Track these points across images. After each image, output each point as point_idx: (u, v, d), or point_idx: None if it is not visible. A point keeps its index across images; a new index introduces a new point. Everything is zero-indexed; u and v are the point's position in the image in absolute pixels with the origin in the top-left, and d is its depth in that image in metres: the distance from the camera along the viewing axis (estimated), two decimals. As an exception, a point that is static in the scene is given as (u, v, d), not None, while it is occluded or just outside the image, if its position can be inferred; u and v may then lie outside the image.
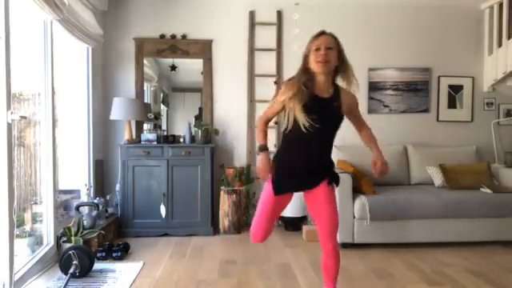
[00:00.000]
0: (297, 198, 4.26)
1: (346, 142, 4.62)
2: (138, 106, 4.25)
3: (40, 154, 3.22)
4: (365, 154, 4.41)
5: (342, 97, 2.15)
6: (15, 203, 2.63)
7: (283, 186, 2.18)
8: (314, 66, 2.08)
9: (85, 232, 3.36)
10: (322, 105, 2.09)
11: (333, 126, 2.17)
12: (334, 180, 2.24)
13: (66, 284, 2.75)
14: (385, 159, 2.24)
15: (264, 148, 2.21)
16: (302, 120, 2.03)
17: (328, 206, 2.17)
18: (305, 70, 2.13)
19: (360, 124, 2.35)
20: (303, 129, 2.04)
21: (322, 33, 2.13)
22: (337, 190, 3.75)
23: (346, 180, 3.69)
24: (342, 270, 3.23)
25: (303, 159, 2.15)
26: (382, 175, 2.22)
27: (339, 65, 2.14)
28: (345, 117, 2.23)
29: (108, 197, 4.22)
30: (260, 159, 2.18)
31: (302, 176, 2.17)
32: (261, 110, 2.26)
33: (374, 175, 2.23)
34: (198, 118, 4.62)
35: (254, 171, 4.34)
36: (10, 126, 2.50)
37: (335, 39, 2.14)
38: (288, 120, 2.10)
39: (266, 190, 2.23)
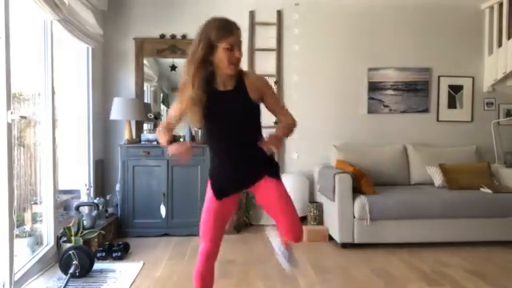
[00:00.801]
0: (297, 197, 4.31)
1: (345, 142, 4.65)
2: (138, 105, 4.25)
3: (40, 154, 3.22)
4: (365, 153, 4.44)
5: (246, 82, 1.95)
6: (15, 203, 2.63)
7: (220, 191, 2.00)
8: (226, 67, 1.87)
9: (85, 232, 3.36)
10: (224, 99, 1.91)
11: (246, 118, 1.95)
12: (274, 171, 2.03)
13: (66, 284, 2.75)
14: (280, 136, 1.93)
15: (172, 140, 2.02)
16: (195, 122, 1.89)
17: (278, 200, 1.99)
18: (203, 60, 1.85)
19: (278, 110, 2.06)
20: (216, 128, 1.93)
21: (236, 28, 1.92)
22: (337, 189, 3.81)
23: (346, 180, 3.69)
24: (343, 270, 3.24)
25: (231, 159, 1.99)
26: (270, 145, 1.83)
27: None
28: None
29: (108, 197, 4.22)
30: (174, 145, 1.93)
31: (236, 177, 2.00)
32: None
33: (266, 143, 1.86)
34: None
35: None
36: (9, 126, 2.50)
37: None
38: (204, 124, 1.94)
39: (207, 200, 2.04)
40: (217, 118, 1.91)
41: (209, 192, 2.04)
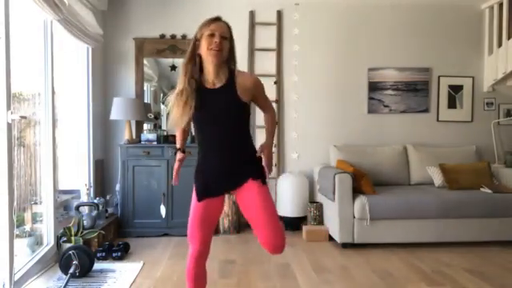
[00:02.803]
0: (297, 197, 4.31)
1: (345, 142, 4.65)
2: (138, 106, 4.25)
3: (40, 154, 3.22)
4: (365, 154, 4.44)
5: (237, 82, 1.93)
6: (15, 203, 2.63)
7: (204, 192, 1.99)
8: (206, 53, 1.88)
9: (85, 232, 3.36)
10: (210, 97, 1.91)
11: (235, 115, 1.94)
12: (259, 177, 1.97)
13: (66, 284, 2.75)
14: (271, 153, 2.07)
15: (178, 149, 2.15)
16: (181, 121, 1.91)
17: (261, 207, 1.92)
18: (193, 57, 1.93)
19: (264, 108, 2.13)
20: (203, 127, 1.95)
21: (218, 19, 1.95)
22: (337, 189, 3.83)
23: (346, 180, 3.69)
24: (342, 270, 3.24)
25: (217, 159, 1.97)
26: (268, 165, 2.05)
27: (229, 56, 1.95)
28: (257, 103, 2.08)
29: (108, 197, 4.22)
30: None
31: (222, 177, 1.98)
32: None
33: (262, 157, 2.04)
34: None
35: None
36: (9, 126, 2.50)
37: (230, 29, 1.95)
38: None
39: (192, 201, 2.05)
40: (204, 115, 1.91)
41: (193, 192, 2.04)
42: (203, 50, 1.89)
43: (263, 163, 2.02)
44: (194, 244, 1.99)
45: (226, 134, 1.93)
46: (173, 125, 2.03)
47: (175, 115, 1.93)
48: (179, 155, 2.15)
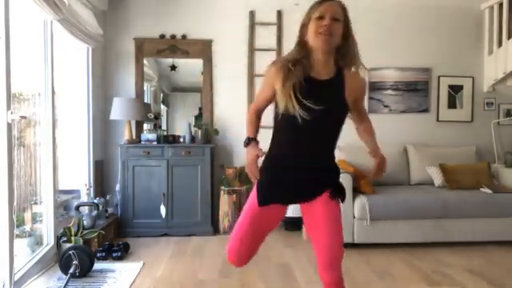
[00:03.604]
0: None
1: (346, 142, 4.64)
2: (138, 105, 4.25)
3: (40, 154, 3.22)
4: (365, 154, 4.42)
5: (346, 80, 1.67)
6: (15, 203, 2.63)
7: (269, 195, 1.69)
8: (313, 39, 1.61)
9: (85, 232, 3.36)
10: (320, 88, 1.63)
11: (336, 117, 1.68)
12: (339, 193, 1.71)
13: (66, 284, 2.75)
14: (383, 156, 1.82)
15: (251, 140, 1.76)
16: (293, 106, 1.58)
17: (328, 228, 1.66)
18: (301, 44, 1.69)
19: (361, 116, 1.89)
20: (299, 119, 1.59)
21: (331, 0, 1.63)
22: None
23: (346, 180, 3.68)
24: (343, 270, 3.23)
25: (296, 159, 1.67)
26: (379, 174, 1.79)
27: (343, 44, 1.65)
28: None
29: (108, 197, 4.22)
30: (248, 152, 1.71)
31: (295, 182, 1.68)
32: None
33: (370, 174, 1.82)
34: (198, 117, 4.62)
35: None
36: (9, 126, 2.50)
37: (344, 9, 1.65)
38: (277, 107, 1.66)
39: (249, 199, 1.74)
40: (306, 106, 1.59)
41: (253, 192, 1.72)
42: (311, 35, 1.62)
43: (376, 165, 1.78)
44: (232, 256, 1.74)
45: (318, 133, 1.65)
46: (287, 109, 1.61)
47: (288, 103, 1.60)
48: (254, 149, 1.71)
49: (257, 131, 1.82)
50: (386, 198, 3.73)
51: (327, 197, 1.67)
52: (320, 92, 1.62)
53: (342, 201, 1.72)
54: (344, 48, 1.66)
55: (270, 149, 1.76)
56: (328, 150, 1.74)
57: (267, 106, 1.78)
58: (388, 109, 4.74)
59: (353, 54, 1.67)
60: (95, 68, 4.21)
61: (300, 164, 1.67)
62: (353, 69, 1.69)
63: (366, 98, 4.67)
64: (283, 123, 1.68)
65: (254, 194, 1.71)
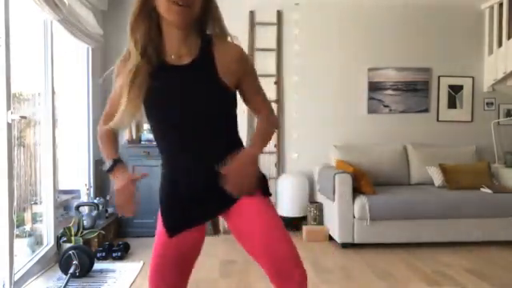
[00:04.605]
0: (296, 197, 4.31)
1: (345, 142, 4.65)
2: (138, 105, 4.24)
3: (40, 154, 3.22)
4: (365, 153, 4.44)
5: (216, 55, 1.26)
6: (15, 203, 2.63)
7: (179, 220, 1.35)
8: (164, 9, 1.18)
9: (85, 232, 3.36)
10: (175, 77, 1.26)
11: (211, 108, 1.28)
12: (260, 185, 1.33)
13: (66, 284, 2.75)
14: (246, 166, 1.28)
15: (115, 162, 1.37)
16: (132, 113, 1.26)
17: (257, 228, 1.29)
18: (142, 10, 1.23)
19: (253, 103, 1.43)
20: (162, 122, 1.31)
21: None
22: (337, 189, 3.85)
23: (346, 180, 3.68)
24: (342, 270, 3.24)
25: (191, 172, 1.33)
26: (234, 187, 1.26)
27: (204, 15, 1.26)
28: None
29: (108, 197, 4.20)
30: (116, 183, 1.37)
31: (199, 195, 1.33)
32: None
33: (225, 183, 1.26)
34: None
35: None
36: (9, 126, 2.50)
37: None
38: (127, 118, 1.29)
39: (157, 232, 1.41)
40: (163, 105, 1.28)
41: (159, 222, 1.41)
42: (161, 7, 1.19)
43: (225, 184, 1.25)
44: None
45: (200, 134, 1.29)
46: (118, 123, 1.29)
47: (122, 104, 1.25)
48: (121, 173, 1.38)
49: (115, 149, 1.42)
50: (386, 198, 3.73)
51: (245, 199, 1.31)
52: (180, 84, 1.25)
53: (265, 192, 1.34)
54: (205, 14, 1.26)
55: (161, 171, 1.43)
56: (222, 145, 1.33)
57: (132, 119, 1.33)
58: (388, 109, 4.74)
59: (216, 18, 1.28)
60: (95, 68, 4.21)
61: (192, 176, 1.33)
62: (221, 40, 1.29)
63: (365, 98, 4.70)
64: (156, 136, 1.37)
65: (159, 227, 1.40)
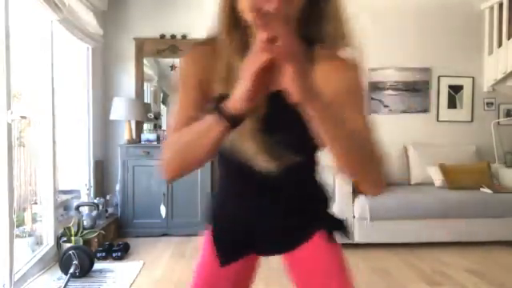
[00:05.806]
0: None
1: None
2: (138, 105, 4.25)
3: (40, 154, 3.22)
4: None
5: (317, 74, 0.87)
6: (15, 203, 2.63)
7: (233, 247, 1.12)
8: (244, 9, 0.89)
9: (85, 232, 3.36)
10: (270, 101, 0.84)
11: (302, 136, 0.94)
12: (334, 227, 1.18)
13: (66, 284, 2.75)
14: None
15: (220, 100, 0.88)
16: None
17: (330, 283, 1.14)
18: (231, 19, 0.94)
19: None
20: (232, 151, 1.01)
21: None
22: (337, 189, 3.84)
23: (346, 180, 3.68)
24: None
25: (254, 198, 1.09)
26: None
27: (309, 12, 0.93)
28: None
29: (108, 197, 4.22)
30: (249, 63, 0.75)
31: (269, 227, 1.10)
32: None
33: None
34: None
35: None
36: (9, 126, 2.50)
37: None
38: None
39: (202, 259, 1.19)
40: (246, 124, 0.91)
41: (206, 248, 1.16)
42: (243, 3, 0.88)
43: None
44: None
45: (284, 161, 0.99)
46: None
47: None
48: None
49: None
50: (386, 198, 3.73)
51: (319, 238, 1.13)
52: (270, 100, 0.84)
53: (345, 234, 1.21)
54: (313, 20, 0.94)
55: (217, 194, 1.26)
56: (307, 177, 1.16)
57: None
58: (388, 109, 4.74)
59: (333, 30, 0.96)
60: (95, 68, 4.21)
61: (264, 206, 1.10)
62: (327, 54, 0.95)
63: (365, 98, 4.69)
64: (222, 160, 1.18)
65: (207, 252, 1.15)
